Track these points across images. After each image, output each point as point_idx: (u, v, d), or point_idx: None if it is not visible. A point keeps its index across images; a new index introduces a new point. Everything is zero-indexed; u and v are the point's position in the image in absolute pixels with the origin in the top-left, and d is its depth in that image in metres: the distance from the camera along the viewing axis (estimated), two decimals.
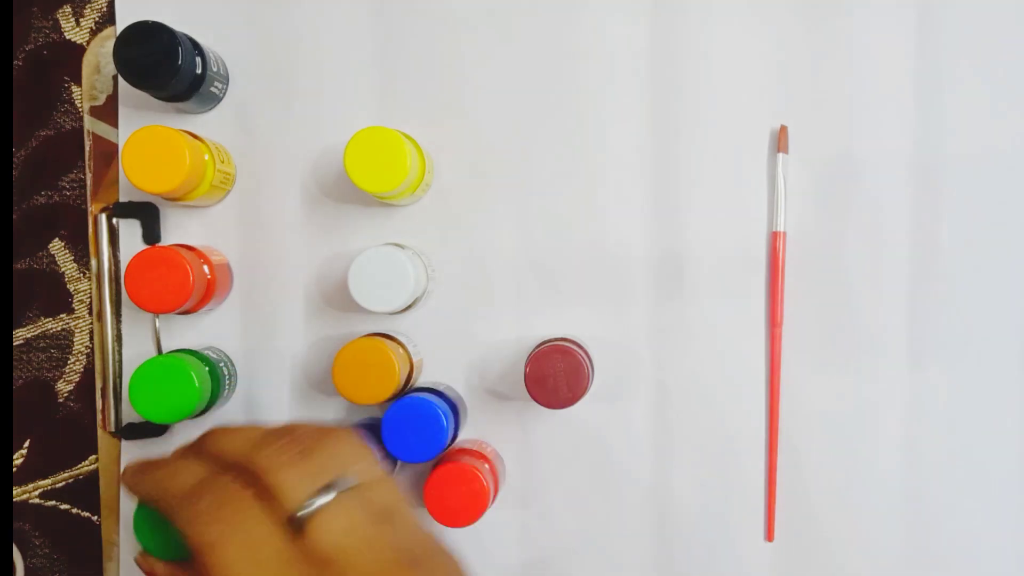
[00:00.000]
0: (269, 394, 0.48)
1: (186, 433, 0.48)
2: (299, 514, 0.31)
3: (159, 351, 0.47)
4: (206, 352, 0.46)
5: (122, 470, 0.39)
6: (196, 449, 0.36)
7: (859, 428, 0.47)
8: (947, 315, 0.47)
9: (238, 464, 0.33)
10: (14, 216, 0.49)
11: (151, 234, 0.47)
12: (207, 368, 0.44)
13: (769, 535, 0.48)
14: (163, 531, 0.34)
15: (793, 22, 0.47)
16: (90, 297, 0.49)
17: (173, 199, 0.44)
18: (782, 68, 0.47)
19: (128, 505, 0.48)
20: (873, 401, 0.47)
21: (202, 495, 0.32)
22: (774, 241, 0.47)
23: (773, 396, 0.47)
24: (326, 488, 0.32)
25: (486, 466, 0.44)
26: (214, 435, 0.36)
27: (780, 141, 0.46)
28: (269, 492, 0.31)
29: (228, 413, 0.48)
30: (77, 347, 0.49)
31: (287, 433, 0.34)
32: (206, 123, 0.47)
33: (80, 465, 0.49)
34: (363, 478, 0.33)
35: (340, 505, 0.31)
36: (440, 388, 0.47)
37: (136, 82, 0.42)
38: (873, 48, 0.46)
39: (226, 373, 0.46)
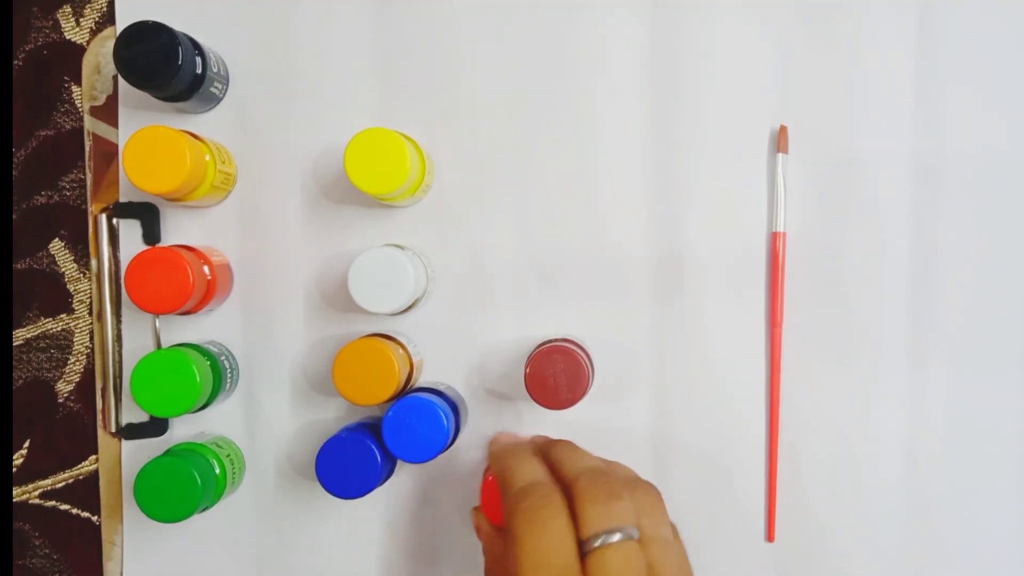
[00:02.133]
0: (269, 394, 0.48)
1: (187, 429, 0.48)
2: (589, 542, 0.35)
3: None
4: (207, 346, 0.46)
5: (493, 439, 0.47)
6: (546, 450, 0.41)
7: (859, 428, 0.47)
8: (947, 315, 0.47)
9: (566, 480, 0.38)
10: (14, 216, 0.49)
11: (151, 234, 0.47)
12: (208, 362, 0.44)
13: (769, 535, 0.48)
14: (164, 495, 0.41)
15: (793, 22, 0.47)
16: (90, 297, 0.49)
17: (173, 199, 0.44)
18: (782, 68, 0.47)
19: (128, 506, 0.48)
20: (873, 401, 0.47)
21: (531, 494, 0.37)
22: (774, 241, 0.47)
23: (773, 396, 0.47)
24: (617, 530, 0.35)
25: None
26: (565, 446, 0.41)
27: (780, 141, 0.46)
28: (576, 515, 0.36)
29: (229, 411, 0.48)
30: (77, 347, 0.49)
31: (611, 471, 0.39)
32: (206, 123, 0.47)
33: (80, 465, 0.49)
34: (650, 532, 0.37)
35: (623, 548, 0.35)
36: (440, 388, 0.47)
37: (136, 82, 0.42)
38: (873, 48, 0.47)
39: (228, 367, 0.46)
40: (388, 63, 0.47)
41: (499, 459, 0.41)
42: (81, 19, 0.48)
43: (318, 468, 0.43)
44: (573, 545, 0.35)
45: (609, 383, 0.48)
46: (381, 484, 0.44)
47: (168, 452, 0.44)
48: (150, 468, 0.42)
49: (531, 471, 0.39)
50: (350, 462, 0.43)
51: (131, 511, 0.48)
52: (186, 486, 0.42)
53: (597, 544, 0.35)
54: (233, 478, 0.46)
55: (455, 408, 0.45)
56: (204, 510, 0.44)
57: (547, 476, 0.39)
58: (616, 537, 0.35)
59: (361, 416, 0.48)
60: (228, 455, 0.46)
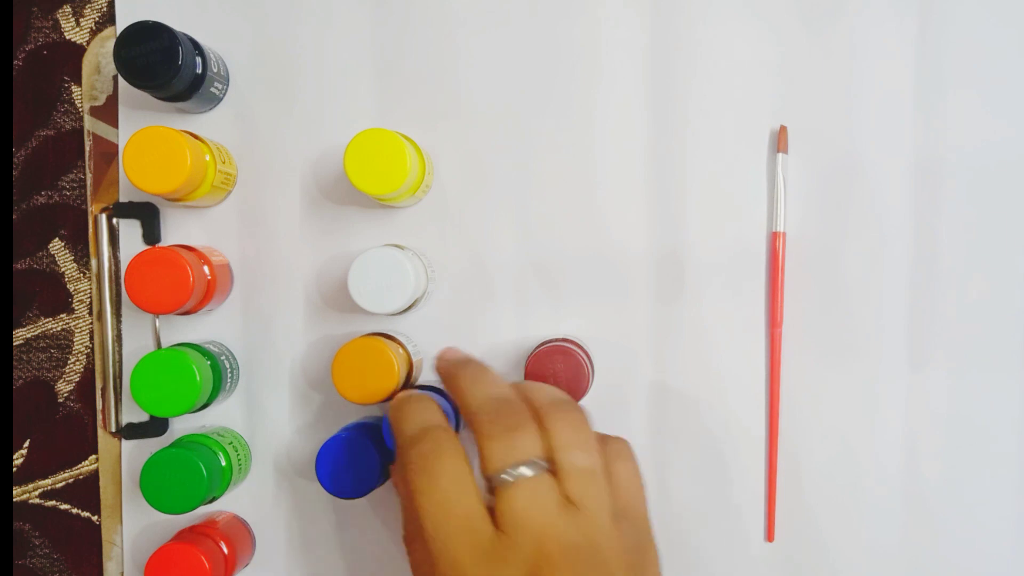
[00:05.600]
0: (269, 394, 0.48)
1: (187, 429, 0.48)
2: (492, 481, 0.33)
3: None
4: (207, 346, 0.46)
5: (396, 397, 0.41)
6: (449, 380, 0.39)
7: (859, 428, 0.47)
8: (947, 315, 0.47)
9: (466, 416, 0.36)
10: (14, 216, 0.49)
11: (151, 234, 0.47)
12: (209, 362, 0.44)
13: (769, 535, 0.48)
14: (170, 487, 0.42)
15: (793, 22, 0.47)
16: (90, 297, 0.49)
17: (174, 199, 0.44)
18: (782, 68, 0.47)
19: (128, 506, 0.48)
20: (873, 401, 0.47)
21: (422, 440, 0.35)
22: (774, 241, 0.47)
23: (773, 396, 0.47)
24: (521, 464, 0.33)
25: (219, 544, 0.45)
26: (467, 374, 0.38)
27: (780, 141, 0.46)
28: (479, 454, 0.34)
29: (229, 410, 0.48)
30: (77, 347, 0.49)
31: (519, 396, 0.36)
32: (206, 123, 0.47)
33: (80, 465, 0.49)
34: (567, 463, 0.34)
35: (530, 483, 0.33)
36: (440, 386, 0.47)
37: (136, 82, 0.42)
38: (873, 48, 0.47)
39: (228, 366, 0.46)
40: (388, 63, 0.47)
41: (394, 407, 0.39)
42: (81, 19, 0.48)
43: (318, 468, 0.43)
44: (474, 488, 0.33)
45: (609, 383, 0.48)
46: (381, 484, 0.44)
47: (175, 444, 0.44)
48: (156, 459, 0.42)
49: (422, 415, 0.37)
50: (350, 462, 0.43)
51: (131, 511, 0.48)
52: (192, 477, 0.42)
53: (504, 477, 0.33)
54: (240, 468, 0.46)
55: (455, 408, 0.45)
56: (211, 501, 0.44)
57: (441, 418, 0.37)
58: (522, 471, 0.33)
59: (361, 416, 0.48)
60: (231, 443, 0.46)
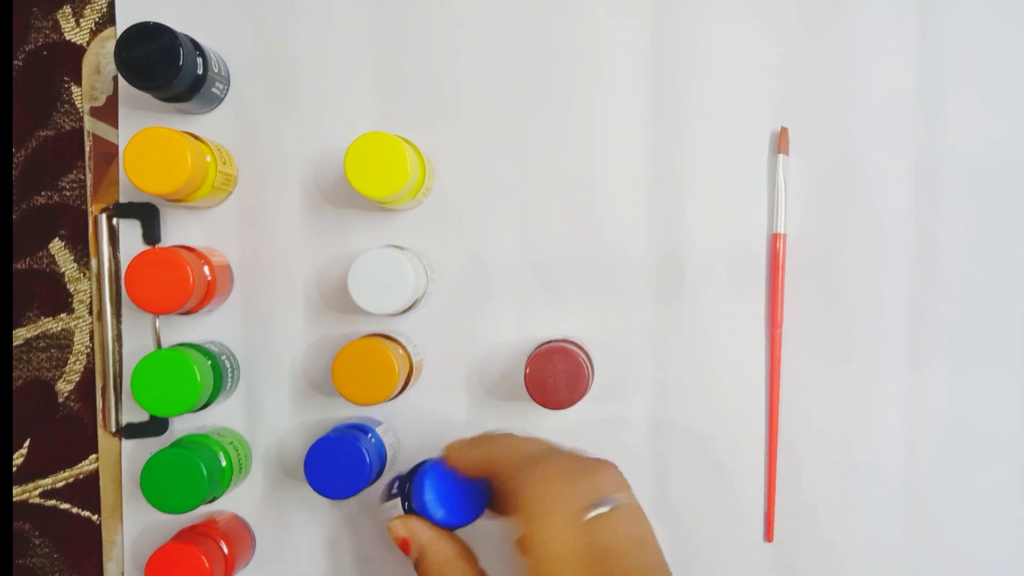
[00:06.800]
0: (269, 395, 0.48)
1: (187, 429, 0.48)
2: (595, 509, 0.35)
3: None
4: (208, 345, 0.46)
5: (447, 448, 0.41)
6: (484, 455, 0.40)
7: (859, 428, 0.47)
8: (947, 315, 0.47)
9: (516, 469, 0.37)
10: (14, 216, 0.49)
11: (151, 235, 0.47)
12: (209, 362, 0.44)
13: (769, 535, 0.48)
14: (170, 487, 0.42)
15: (793, 23, 0.47)
16: (90, 297, 0.49)
17: (174, 200, 0.44)
18: (782, 69, 0.47)
19: (129, 505, 0.48)
20: (873, 401, 0.47)
21: (541, 460, 0.36)
22: (774, 242, 0.47)
23: (773, 396, 0.47)
24: (606, 502, 0.35)
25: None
26: (506, 438, 0.40)
27: (780, 142, 0.46)
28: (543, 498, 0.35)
29: (229, 410, 0.48)
30: (77, 347, 0.49)
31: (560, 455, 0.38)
32: (207, 124, 0.47)
33: (80, 465, 0.49)
34: (624, 502, 0.36)
35: (621, 513, 0.35)
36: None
37: (137, 83, 0.42)
38: (873, 49, 0.47)
39: (228, 367, 0.46)
40: (388, 64, 0.47)
41: (470, 448, 0.40)
42: (81, 19, 0.48)
43: (307, 468, 0.43)
44: (583, 512, 0.35)
45: (609, 383, 0.48)
46: (372, 484, 0.44)
47: (175, 444, 0.44)
48: (156, 459, 0.42)
49: (524, 447, 0.39)
50: (339, 462, 0.43)
51: (131, 511, 0.48)
52: (192, 477, 0.42)
53: (602, 509, 0.35)
54: (240, 468, 0.46)
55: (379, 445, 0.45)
56: (211, 501, 0.44)
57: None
58: (605, 508, 0.35)
59: (361, 416, 0.48)
60: (231, 442, 0.46)
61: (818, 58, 0.47)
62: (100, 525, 0.49)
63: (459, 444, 0.41)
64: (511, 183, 0.47)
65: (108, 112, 0.47)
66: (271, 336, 0.48)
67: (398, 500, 0.42)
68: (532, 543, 0.34)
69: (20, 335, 0.49)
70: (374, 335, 0.45)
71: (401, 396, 0.46)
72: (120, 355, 0.48)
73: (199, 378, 0.42)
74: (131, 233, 0.47)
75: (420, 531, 0.39)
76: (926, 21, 0.46)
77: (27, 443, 0.49)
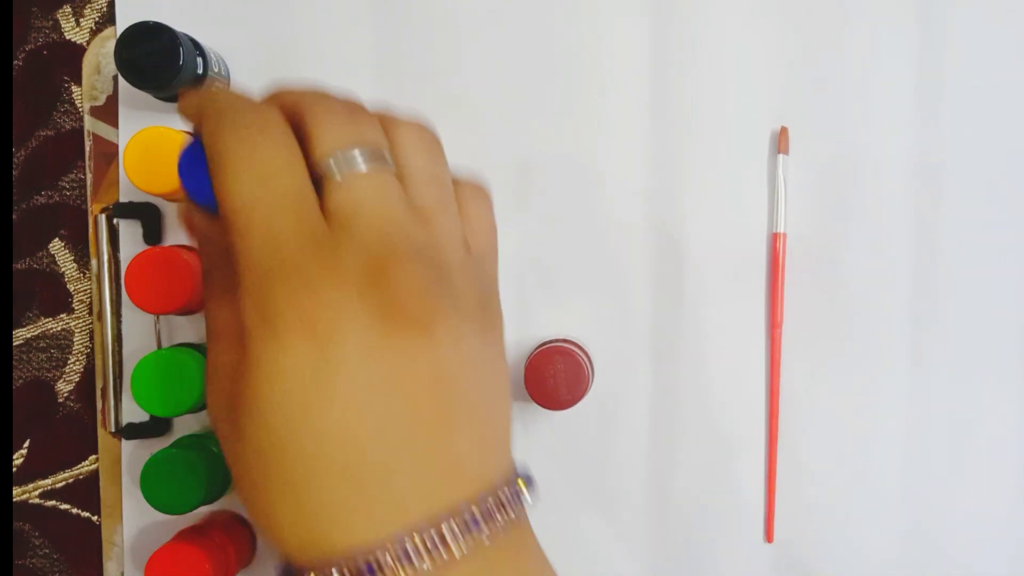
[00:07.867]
0: None
1: (187, 429, 0.48)
2: (323, 166, 0.26)
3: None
4: None
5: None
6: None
7: (859, 428, 0.47)
8: (947, 316, 0.47)
9: (286, 105, 0.28)
10: (14, 216, 0.49)
11: (152, 234, 0.47)
12: None
13: (769, 536, 0.48)
14: (170, 487, 0.41)
15: (794, 22, 0.47)
16: (90, 297, 0.49)
17: (174, 200, 0.44)
18: (782, 68, 0.47)
19: (128, 506, 0.48)
20: (873, 401, 0.47)
21: (247, 112, 0.27)
22: (774, 242, 0.47)
23: (773, 396, 0.47)
24: (371, 150, 0.26)
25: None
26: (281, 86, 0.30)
27: (780, 142, 0.46)
28: (306, 137, 0.26)
29: None
30: (77, 347, 0.49)
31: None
32: None
33: (80, 465, 0.49)
34: (415, 166, 0.28)
35: (375, 175, 0.26)
36: None
37: (137, 82, 0.42)
38: (874, 48, 0.47)
39: None
40: (388, 64, 0.47)
41: (191, 97, 0.30)
42: (81, 19, 0.48)
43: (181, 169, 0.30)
44: (304, 169, 0.26)
45: (609, 383, 0.48)
46: None
47: (175, 444, 0.44)
48: (156, 459, 0.42)
49: (233, 97, 0.28)
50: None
51: (131, 511, 0.48)
52: (192, 477, 0.42)
53: (333, 164, 0.26)
54: None
55: None
56: (211, 501, 0.44)
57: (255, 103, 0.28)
58: (358, 160, 0.26)
59: None
60: None
61: (818, 58, 0.47)
62: (100, 525, 0.49)
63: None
64: (511, 183, 0.47)
65: (108, 112, 0.47)
66: None
67: None
68: (227, 193, 0.25)
69: (20, 335, 0.49)
70: None
71: None
72: (120, 355, 0.48)
73: (199, 378, 0.42)
74: (131, 233, 0.47)
75: (194, 217, 0.30)
76: (927, 21, 0.46)
77: (27, 443, 0.49)
